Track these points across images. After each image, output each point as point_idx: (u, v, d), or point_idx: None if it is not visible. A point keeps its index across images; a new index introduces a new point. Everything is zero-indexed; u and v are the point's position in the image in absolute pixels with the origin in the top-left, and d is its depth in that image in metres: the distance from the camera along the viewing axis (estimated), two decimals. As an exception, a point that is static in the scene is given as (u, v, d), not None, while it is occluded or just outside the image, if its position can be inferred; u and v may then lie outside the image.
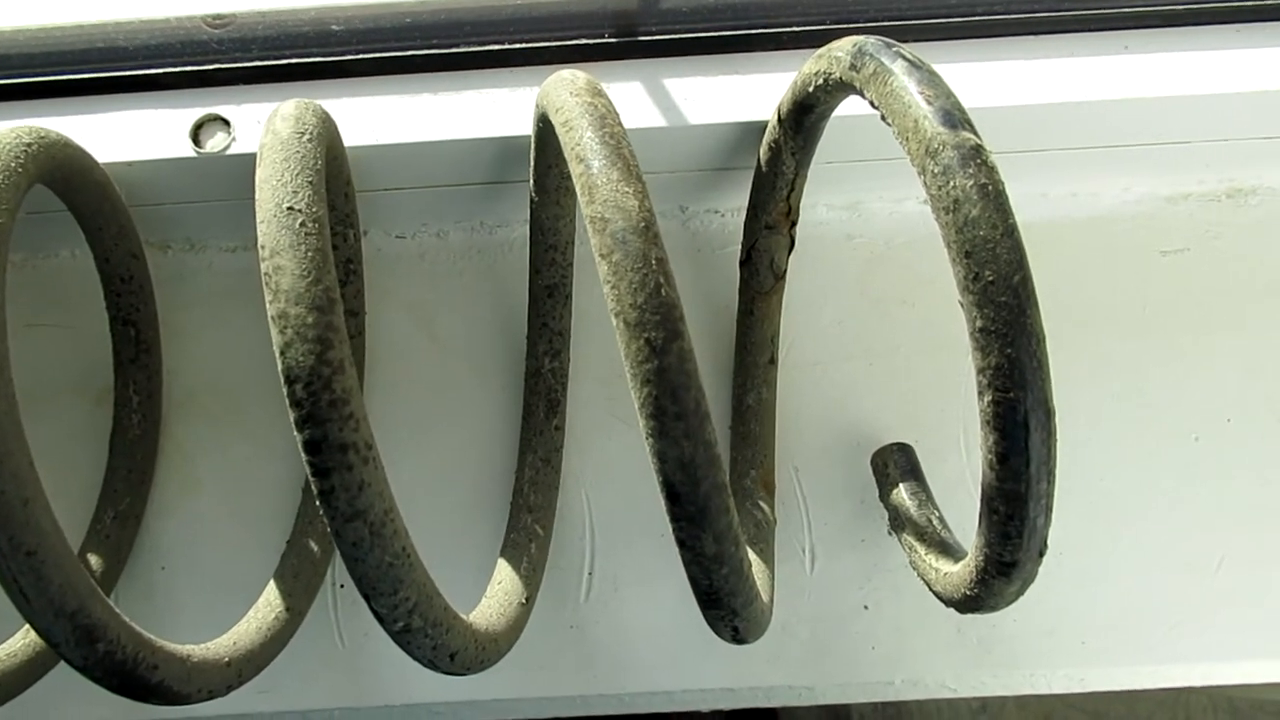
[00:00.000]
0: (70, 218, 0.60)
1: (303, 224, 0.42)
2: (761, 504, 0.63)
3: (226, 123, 0.62)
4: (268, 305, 0.41)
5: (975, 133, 0.42)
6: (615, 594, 0.65)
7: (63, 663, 0.58)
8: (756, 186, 0.62)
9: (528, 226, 0.63)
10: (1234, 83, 0.61)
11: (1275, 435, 0.66)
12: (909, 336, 0.69)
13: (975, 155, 0.41)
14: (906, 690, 0.64)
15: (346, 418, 0.40)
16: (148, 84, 0.62)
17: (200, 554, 0.66)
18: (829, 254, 0.70)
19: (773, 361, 0.66)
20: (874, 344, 0.69)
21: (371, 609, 0.44)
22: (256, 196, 0.44)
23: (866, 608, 0.65)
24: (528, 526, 0.62)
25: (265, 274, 0.41)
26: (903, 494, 0.61)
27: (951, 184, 0.41)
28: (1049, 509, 0.43)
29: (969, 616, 0.64)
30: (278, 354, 0.41)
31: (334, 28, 0.63)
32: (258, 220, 0.43)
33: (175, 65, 0.62)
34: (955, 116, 0.42)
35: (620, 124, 0.45)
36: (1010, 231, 0.40)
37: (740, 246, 0.66)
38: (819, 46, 0.53)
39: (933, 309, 0.69)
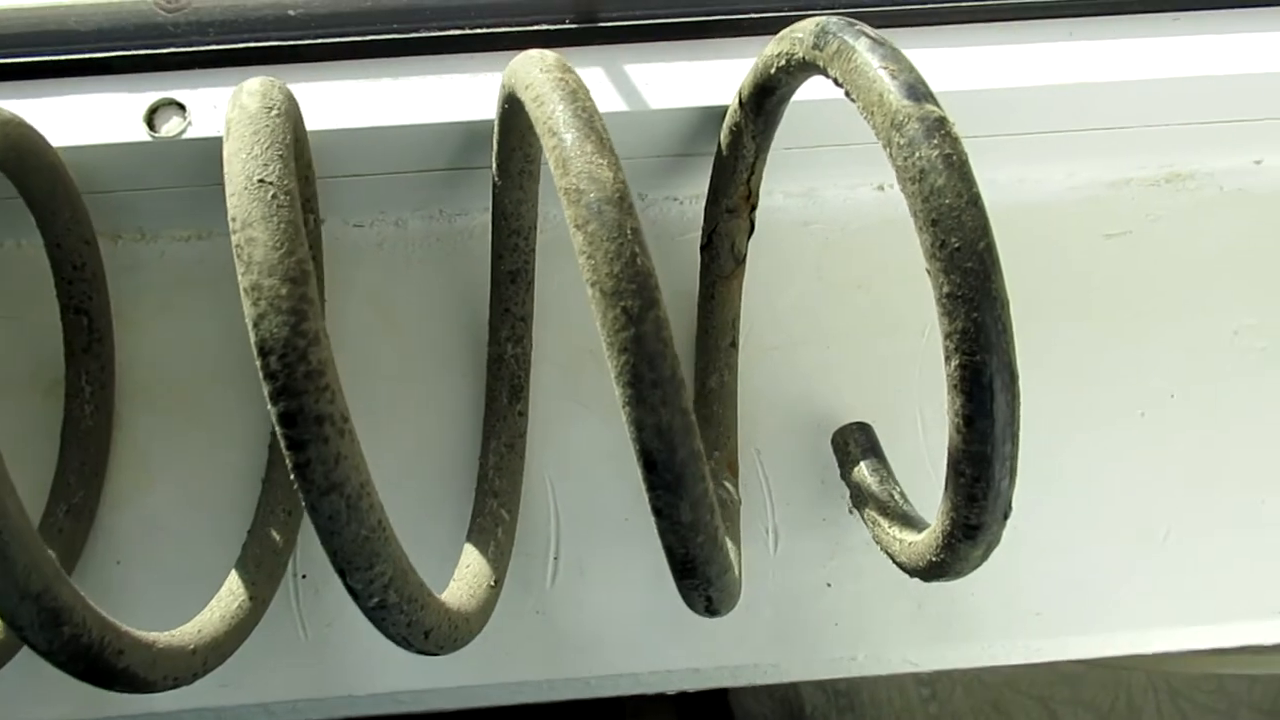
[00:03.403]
0: (14, 207, 0.59)
1: (274, 196, 0.41)
2: (726, 485, 0.63)
3: (182, 107, 0.61)
4: (240, 278, 0.41)
5: (938, 105, 0.43)
6: (581, 579, 0.66)
7: (14, 662, 0.57)
8: (717, 170, 0.63)
9: (488, 213, 0.63)
10: (1172, 69, 0.64)
11: (1216, 409, 0.69)
12: (865, 319, 0.70)
13: (939, 126, 0.43)
14: (869, 665, 0.65)
15: (323, 389, 0.40)
16: (100, 67, 0.61)
17: (157, 548, 0.64)
18: (785, 240, 0.71)
19: (734, 345, 0.67)
20: (831, 327, 0.70)
21: (346, 585, 0.44)
22: (225, 170, 0.43)
23: (829, 585, 0.66)
24: (493, 511, 0.62)
25: (237, 246, 0.41)
26: (864, 471, 0.62)
27: (917, 155, 0.42)
28: (1013, 471, 0.44)
29: (928, 593, 0.66)
30: (251, 326, 0.40)
31: (291, 12, 0.62)
32: (228, 193, 0.42)
33: (129, 48, 0.61)
34: (919, 90, 0.44)
35: (591, 99, 0.46)
36: (975, 200, 0.42)
37: (700, 232, 0.66)
38: (778, 32, 0.54)
39: (887, 292, 0.71)
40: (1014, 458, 0.44)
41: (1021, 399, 0.44)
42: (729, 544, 0.58)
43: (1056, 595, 0.66)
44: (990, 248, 0.41)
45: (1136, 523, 0.67)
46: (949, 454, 0.45)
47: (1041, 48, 0.65)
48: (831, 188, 0.72)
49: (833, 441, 0.65)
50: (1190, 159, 0.72)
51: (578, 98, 0.45)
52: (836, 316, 0.70)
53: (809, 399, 0.68)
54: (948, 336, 0.42)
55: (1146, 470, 0.68)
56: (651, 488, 0.42)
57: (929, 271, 0.42)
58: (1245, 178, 0.73)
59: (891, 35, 0.64)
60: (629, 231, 0.41)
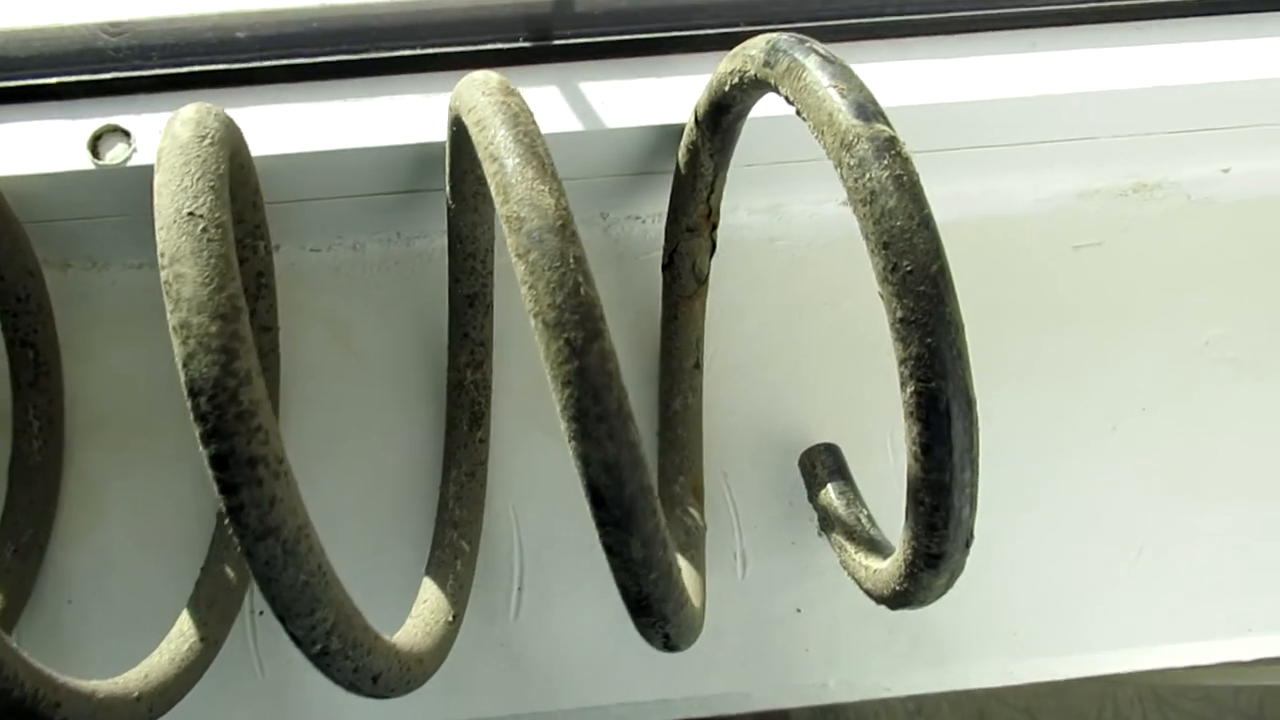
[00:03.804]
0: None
1: (204, 229, 0.40)
2: (691, 510, 0.62)
3: (127, 133, 0.59)
4: (169, 315, 0.39)
5: (889, 124, 0.42)
6: (546, 609, 0.64)
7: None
8: (676, 189, 0.62)
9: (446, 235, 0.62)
10: (1137, 78, 0.63)
11: (1188, 423, 0.68)
12: (833, 337, 0.69)
13: (890, 146, 0.41)
14: (841, 692, 0.64)
15: (255, 430, 0.39)
16: (41, 93, 0.59)
17: (110, 586, 0.63)
18: (751, 258, 0.70)
19: (698, 366, 0.66)
20: (798, 346, 0.69)
21: (288, 631, 0.42)
22: (155, 203, 0.42)
23: (799, 610, 0.65)
24: (453, 543, 0.61)
25: (165, 282, 0.39)
26: (831, 494, 0.60)
27: (868, 176, 0.41)
28: (974, 499, 0.43)
29: (901, 615, 0.64)
30: (180, 366, 0.39)
31: (239, 34, 0.61)
32: (157, 227, 0.41)
33: (71, 74, 0.59)
34: (869, 109, 0.43)
35: (534, 122, 0.44)
36: (926, 222, 0.41)
37: (662, 251, 0.65)
38: (733, 49, 0.53)
39: (855, 309, 0.69)
40: (974, 485, 0.42)
41: (983, 421, 0.42)
42: (692, 574, 0.57)
43: (1031, 615, 0.65)
44: (943, 271, 0.40)
45: (1110, 540, 0.66)
46: (908, 482, 0.43)
47: (1005, 59, 0.64)
48: (798, 203, 0.71)
49: (800, 464, 0.64)
50: (1157, 169, 0.71)
51: (519, 121, 0.44)
52: (804, 334, 0.69)
53: (776, 420, 0.67)
54: (902, 363, 0.41)
55: (1119, 485, 0.67)
56: (601, 524, 0.41)
57: (881, 296, 0.41)
58: (1213, 186, 0.72)
59: (853, 50, 0.64)
60: (572, 260, 0.40)
